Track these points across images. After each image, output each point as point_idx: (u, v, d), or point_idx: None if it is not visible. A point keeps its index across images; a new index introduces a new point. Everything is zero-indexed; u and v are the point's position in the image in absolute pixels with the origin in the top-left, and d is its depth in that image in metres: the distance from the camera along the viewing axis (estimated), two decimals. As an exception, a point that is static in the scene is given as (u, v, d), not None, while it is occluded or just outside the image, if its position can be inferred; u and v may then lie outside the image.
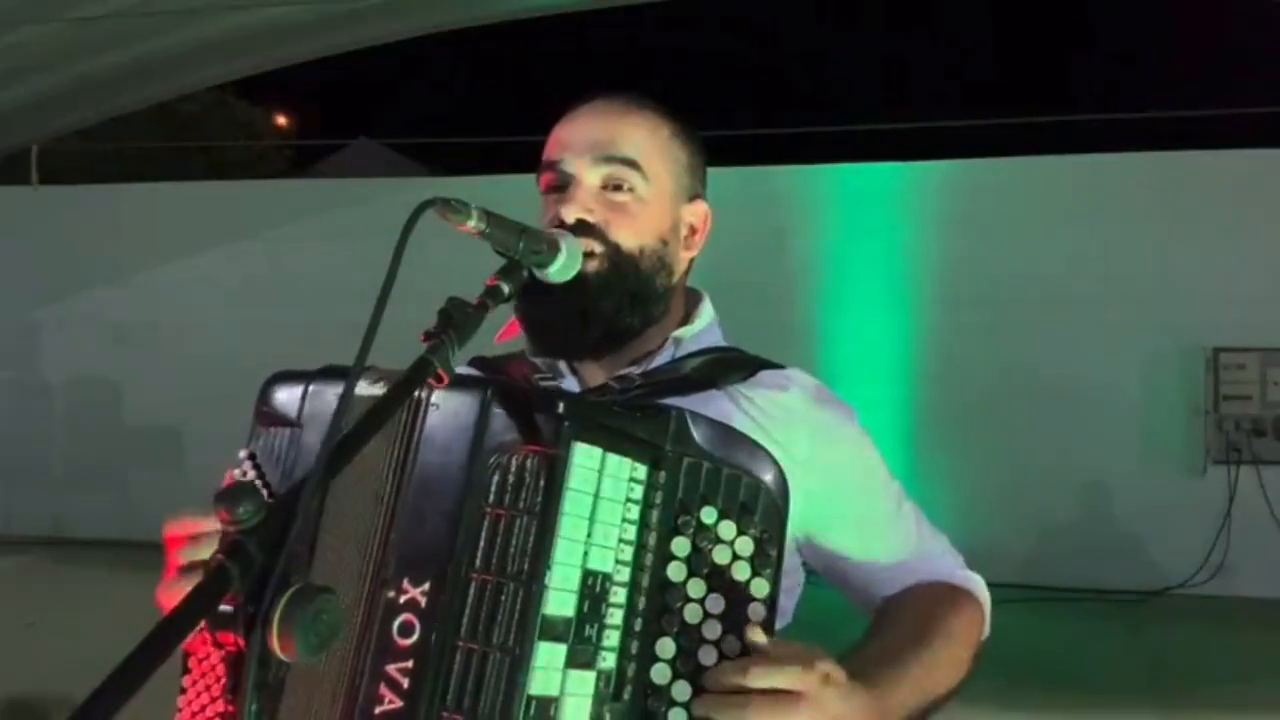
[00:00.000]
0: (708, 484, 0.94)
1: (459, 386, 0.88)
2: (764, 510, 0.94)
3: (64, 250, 7.63)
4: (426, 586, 0.84)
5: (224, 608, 0.72)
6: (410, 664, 0.83)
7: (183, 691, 0.96)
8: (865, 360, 6.25)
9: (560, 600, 0.84)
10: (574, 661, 0.85)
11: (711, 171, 1.28)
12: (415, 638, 0.83)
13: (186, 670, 0.97)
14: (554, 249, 1.05)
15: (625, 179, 1.14)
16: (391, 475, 0.90)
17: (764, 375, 1.17)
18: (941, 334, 6.34)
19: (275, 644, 0.71)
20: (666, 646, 0.90)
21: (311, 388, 1.00)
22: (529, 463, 0.85)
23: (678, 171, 1.20)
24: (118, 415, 7.65)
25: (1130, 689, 4.45)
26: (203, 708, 0.95)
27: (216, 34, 6.00)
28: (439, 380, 0.87)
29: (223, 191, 8.52)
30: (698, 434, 0.94)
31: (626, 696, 0.89)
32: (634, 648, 0.90)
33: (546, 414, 0.86)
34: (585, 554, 0.86)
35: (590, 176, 1.14)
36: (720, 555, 0.92)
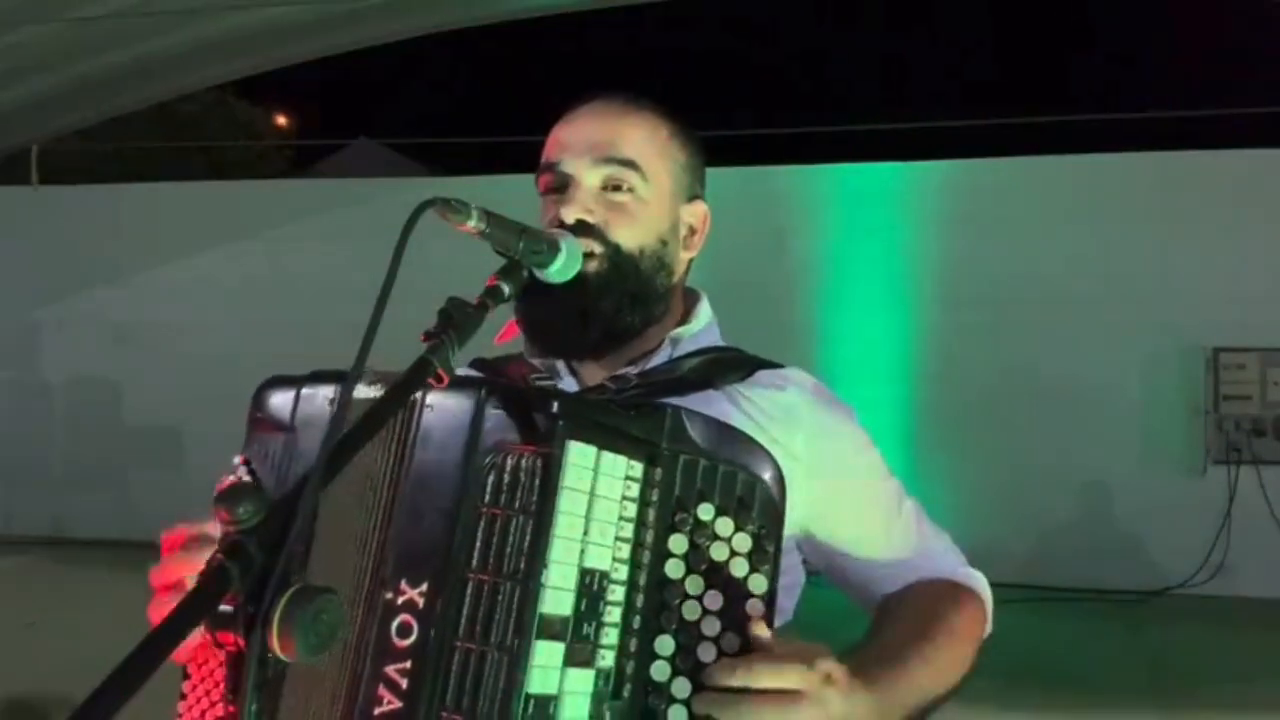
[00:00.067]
0: (704, 481, 0.94)
1: (454, 387, 0.88)
2: (761, 506, 0.94)
3: (64, 250, 7.63)
4: (424, 587, 0.84)
5: (224, 608, 0.72)
6: (409, 665, 0.83)
7: (183, 697, 0.97)
8: (865, 360, 6.25)
9: (557, 599, 0.84)
10: (572, 660, 0.85)
11: (711, 171, 1.28)
12: (413, 638, 0.84)
13: (186, 676, 0.97)
14: (554, 249, 1.05)
15: (624, 180, 1.15)
16: (387, 476, 0.90)
17: (762, 375, 1.17)
18: (941, 334, 6.34)
19: (275, 644, 0.71)
20: (665, 644, 0.90)
21: (304, 392, 1.00)
22: (524, 462, 0.85)
23: (677, 172, 1.20)
24: (118, 415, 7.65)
25: (1130, 689, 4.45)
26: (202, 713, 0.95)
27: (216, 34, 6.00)
28: (439, 380, 0.87)
29: (223, 191, 8.53)
30: (694, 431, 0.94)
31: (626, 694, 0.89)
32: (633, 645, 0.90)
33: (541, 413, 0.86)
34: (582, 552, 0.86)
35: (590, 177, 1.15)
36: (718, 552, 0.92)
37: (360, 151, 19.08)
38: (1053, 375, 6.16)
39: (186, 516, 1.00)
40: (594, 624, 0.87)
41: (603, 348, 1.16)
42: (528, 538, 0.84)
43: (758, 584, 0.92)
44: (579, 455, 0.86)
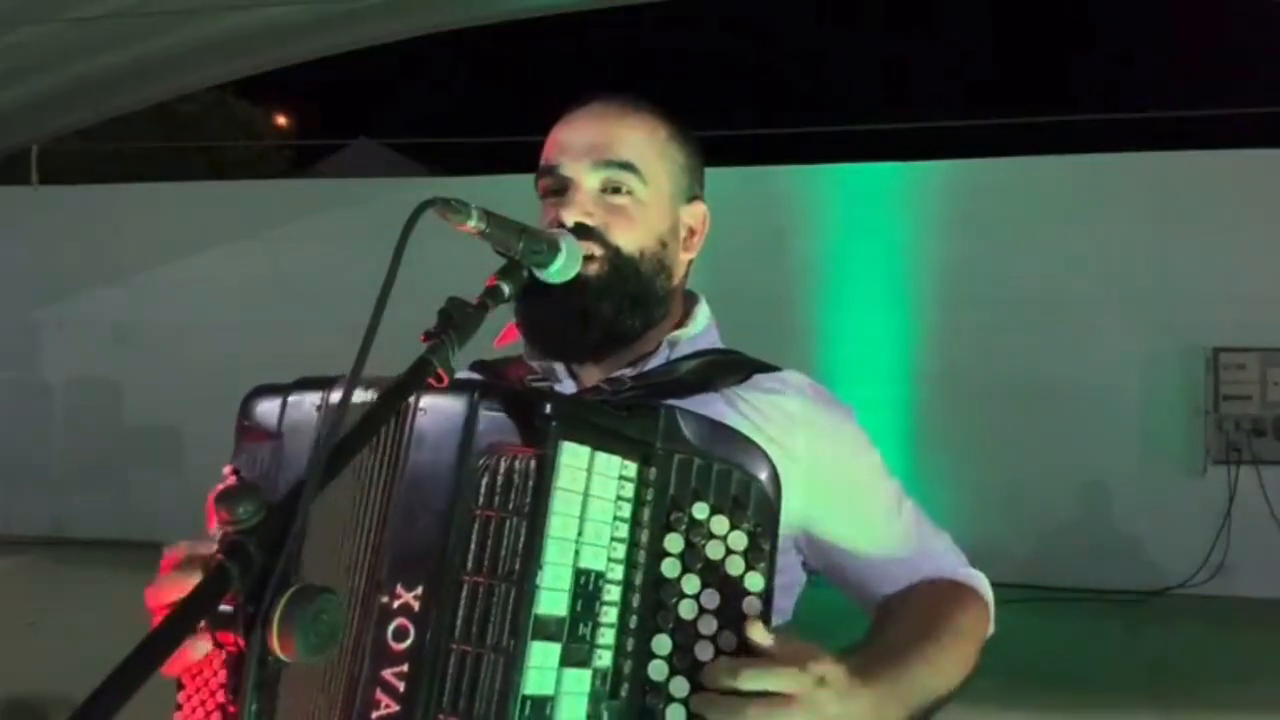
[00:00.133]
0: (699, 480, 0.93)
1: (447, 389, 0.88)
2: (756, 504, 0.94)
3: (64, 250, 7.63)
4: (419, 590, 0.84)
5: (224, 608, 0.72)
6: (405, 668, 0.83)
7: (178, 708, 0.96)
8: (865, 360, 6.25)
9: (552, 600, 0.84)
10: (568, 660, 0.85)
11: (711, 172, 1.28)
12: (409, 641, 0.84)
13: (181, 687, 0.97)
14: (554, 249, 1.05)
15: (624, 182, 1.15)
16: (381, 479, 0.90)
17: (759, 378, 1.17)
18: (941, 334, 6.34)
19: (275, 644, 0.71)
20: (662, 643, 0.90)
21: (290, 399, 1.00)
22: (518, 463, 0.85)
23: (676, 173, 1.20)
24: (118, 415, 7.65)
25: (1130, 689, 4.45)
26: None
27: (216, 34, 6.00)
28: (439, 380, 0.87)
29: (223, 191, 8.53)
30: (688, 431, 0.94)
31: (624, 694, 0.89)
32: (630, 645, 0.90)
33: (534, 414, 0.86)
34: (577, 553, 0.86)
35: (589, 180, 1.15)
36: (714, 550, 0.92)
37: (360, 151, 19.08)
38: (1053, 375, 6.16)
39: (186, 516, 1.00)
40: (590, 624, 0.87)
41: (602, 350, 1.16)
42: (522, 539, 0.84)
43: (754, 582, 0.92)
44: (573, 456, 0.86)
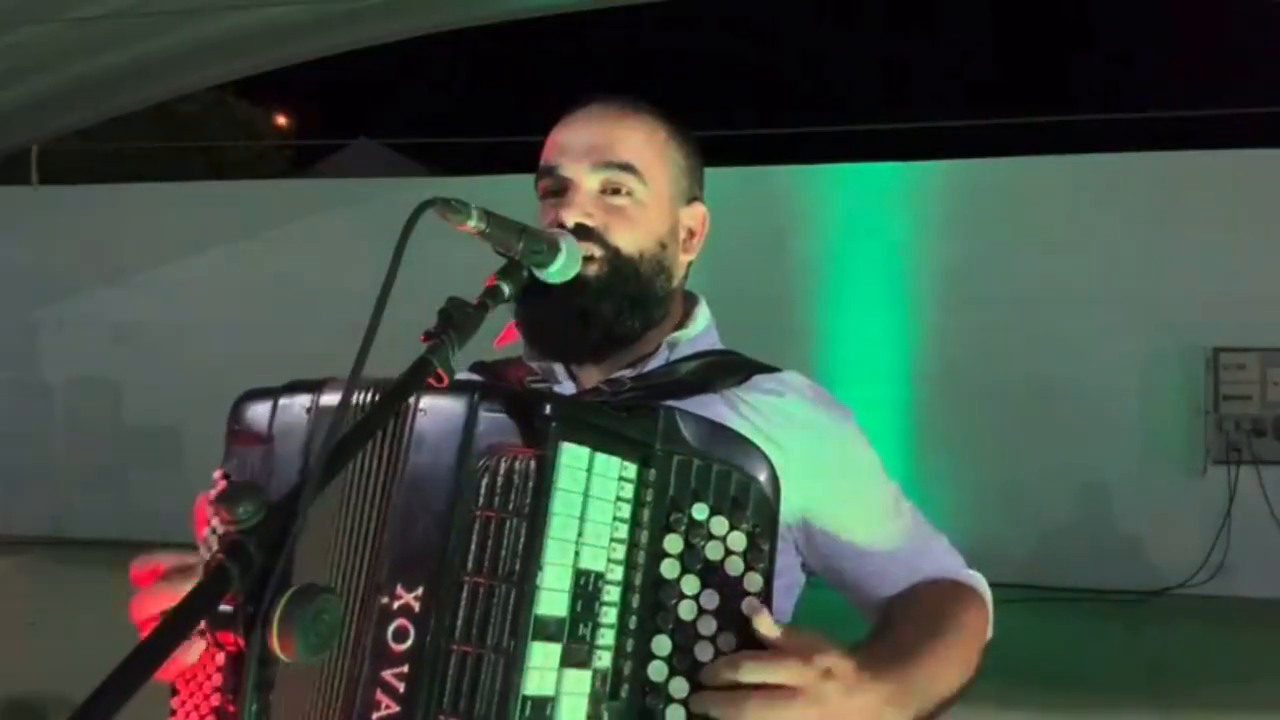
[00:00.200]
0: (698, 480, 0.93)
1: (446, 390, 0.88)
2: (755, 505, 0.94)
3: (64, 250, 7.63)
4: (419, 591, 0.84)
5: (224, 608, 0.73)
6: (405, 669, 0.83)
7: (171, 713, 0.96)
8: (865, 361, 6.25)
9: (552, 600, 0.84)
10: (569, 661, 0.85)
11: (711, 172, 1.28)
12: (410, 642, 0.84)
13: (175, 692, 0.97)
14: (554, 249, 1.05)
15: (623, 183, 1.15)
16: (381, 480, 0.90)
17: (759, 379, 1.17)
18: (941, 334, 6.34)
19: (275, 644, 0.71)
20: (662, 643, 0.90)
21: (280, 402, 1.00)
22: (518, 464, 0.85)
23: (675, 174, 1.20)
24: (118, 415, 7.65)
25: (1130, 689, 4.45)
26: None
27: (216, 34, 6.00)
28: (439, 380, 0.87)
29: (223, 191, 8.53)
30: (687, 431, 0.94)
31: (624, 695, 0.89)
32: (630, 646, 0.90)
33: (534, 415, 0.86)
34: (577, 553, 0.86)
35: (588, 181, 1.15)
36: (713, 551, 0.92)
37: (360, 151, 19.08)
38: (1053, 375, 6.16)
39: (186, 516, 1.00)
40: (590, 625, 0.87)
41: (602, 351, 1.16)
42: (522, 540, 0.84)
43: (753, 582, 0.92)
44: (572, 457, 0.86)
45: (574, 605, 0.86)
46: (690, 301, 1.25)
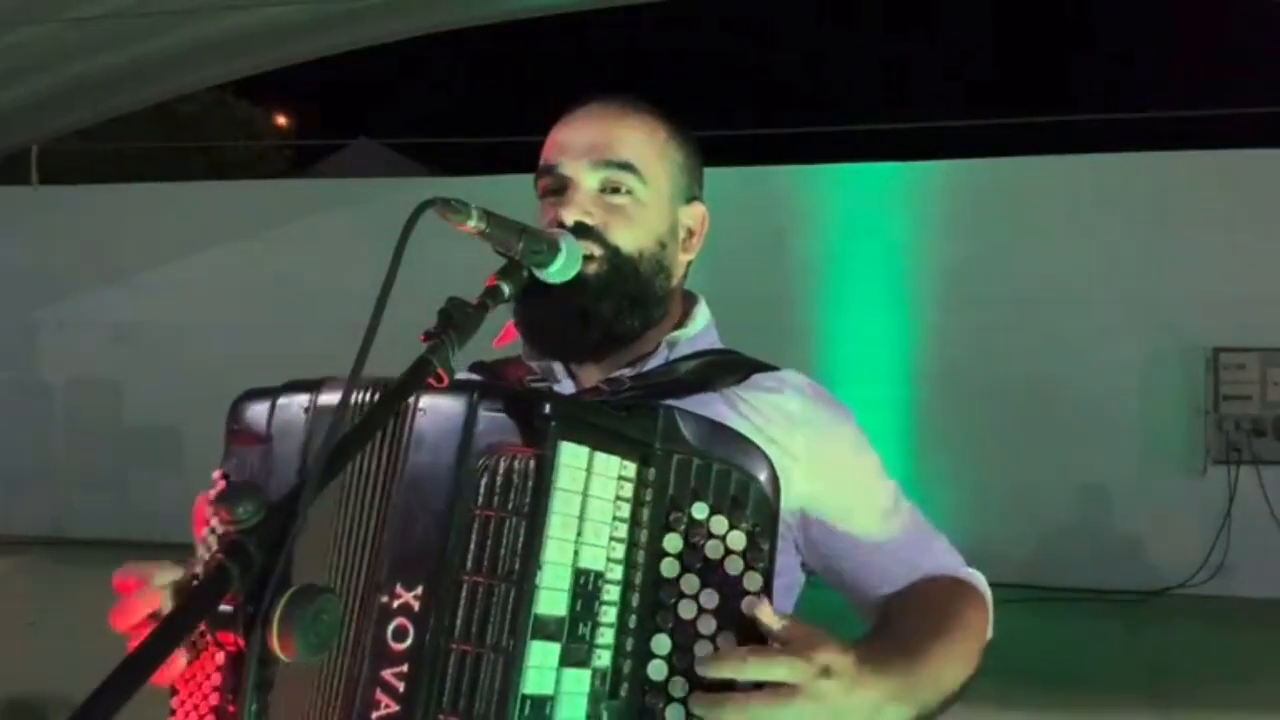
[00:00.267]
0: (698, 480, 0.93)
1: (446, 390, 0.89)
2: (755, 504, 0.94)
3: (64, 250, 7.63)
4: (419, 590, 0.84)
5: (224, 608, 0.73)
6: (405, 668, 0.83)
7: (171, 713, 0.96)
8: (865, 361, 6.25)
9: (552, 599, 0.84)
10: (568, 660, 0.85)
11: (711, 172, 1.28)
12: (409, 641, 0.84)
13: (174, 692, 0.96)
14: (554, 249, 1.05)
15: (623, 182, 1.15)
16: (381, 480, 0.90)
17: (758, 377, 1.17)
18: (941, 334, 6.34)
19: (275, 644, 0.71)
20: (662, 643, 0.90)
21: (279, 401, 1.00)
22: (517, 464, 0.85)
23: (675, 174, 1.20)
24: (118, 415, 7.66)
25: (1130, 689, 4.45)
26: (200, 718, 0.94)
27: (216, 34, 6.00)
28: (439, 380, 0.87)
29: (223, 191, 8.53)
30: (686, 431, 0.94)
31: (623, 694, 0.89)
32: (629, 645, 0.90)
33: (533, 415, 0.86)
34: (576, 553, 0.86)
35: (588, 180, 1.15)
36: (713, 550, 0.92)
37: (360, 151, 19.08)
38: (1053, 375, 6.16)
39: (186, 516, 1.00)
40: (589, 624, 0.87)
41: (602, 350, 1.16)
42: (521, 539, 0.84)
43: (753, 581, 0.92)
44: (572, 456, 0.86)
45: (573, 604, 0.86)
46: (690, 301, 1.25)
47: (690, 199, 1.23)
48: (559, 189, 1.15)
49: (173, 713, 0.96)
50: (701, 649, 0.90)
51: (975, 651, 1.10)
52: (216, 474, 1.01)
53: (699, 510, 0.93)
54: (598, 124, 1.17)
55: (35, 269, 7.70)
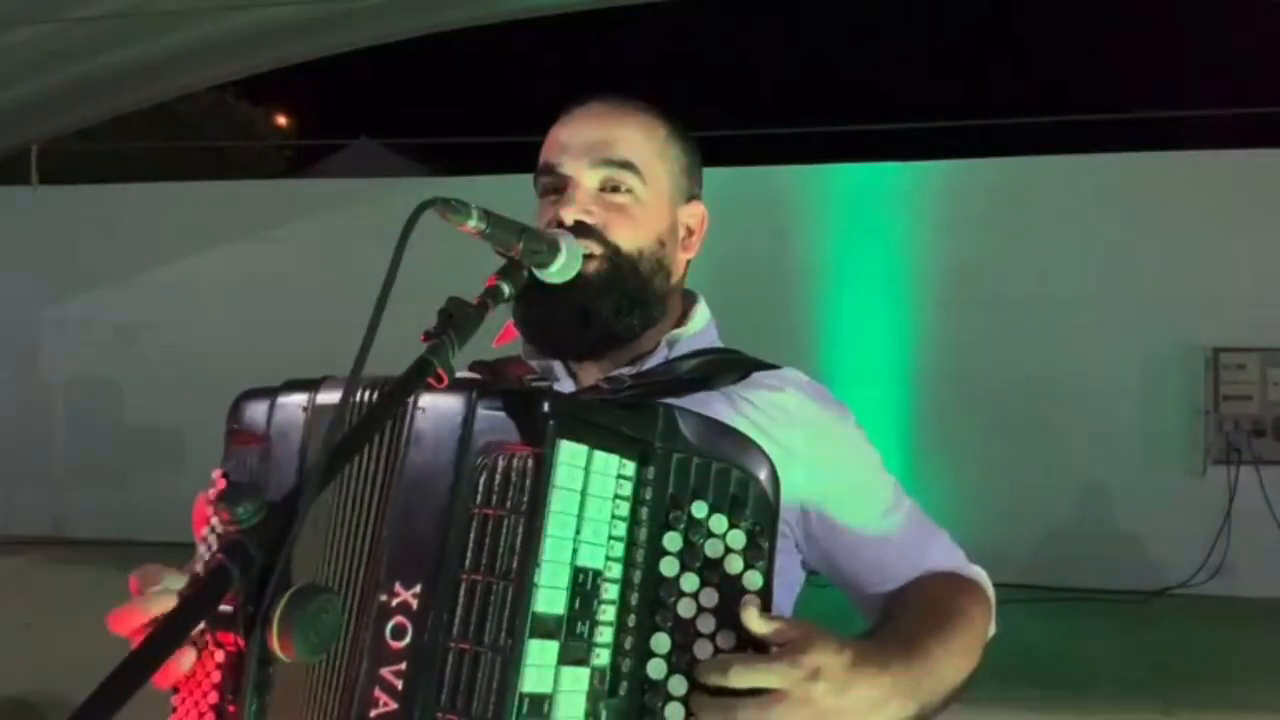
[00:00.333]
0: (698, 478, 0.93)
1: (445, 389, 0.88)
2: (755, 503, 0.94)
3: (64, 250, 7.63)
4: (418, 589, 0.84)
5: (224, 608, 0.73)
6: (403, 666, 0.83)
7: (172, 710, 0.96)
8: (865, 361, 6.26)
9: (550, 598, 0.84)
10: (566, 658, 0.85)
11: (711, 171, 1.28)
12: (408, 640, 0.84)
13: (174, 690, 0.96)
14: (554, 249, 1.06)
15: (623, 181, 1.15)
16: (380, 478, 0.90)
17: (758, 376, 1.17)
18: (942, 334, 6.35)
19: (275, 644, 0.71)
20: (661, 641, 0.90)
21: (278, 401, 1.00)
22: (516, 462, 0.85)
23: (674, 173, 1.20)
24: (118, 415, 7.66)
25: (1130, 689, 4.45)
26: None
27: (216, 34, 6.00)
28: (439, 380, 0.87)
29: (223, 191, 8.53)
30: (686, 429, 0.94)
31: (622, 692, 0.89)
32: (628, 643, 0.89)
33: (532, 413, 0.86)
34: (574, 551, 0.86)
35: (588, 179, 1.15)
36: (712, 549, 0.92)
37: (360, 151, 19.05)
38: (1053, 375, 6.16)
39: (186, 516, 1.00)
40: (588, 622, 0.87)
41: (601, 349, 1.16)
42: (519, 537, 0.84)
43: (753, 580, 0.92)
44: (571, 454, 0.86)
45: (572, 603, 0.86)
46: (689, 300, 1.26)
47: (690, 198, 1.23)
48: (559, 188, 1.16)
49: (174, 710, 0.96)
50: (701, 648, 0.90)
51: (977, 647, 1.09)
52: (216, 473, 1.01)
53: (699, 509, 0.93)
54: (597, 123, 1.17)
55: (35, 269, 7.70)
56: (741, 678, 0.87)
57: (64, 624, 5.05)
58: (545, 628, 0.84)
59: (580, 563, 0.87)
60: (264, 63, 7.00)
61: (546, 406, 0.86)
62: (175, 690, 0.95)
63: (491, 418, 0.87)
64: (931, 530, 1.20)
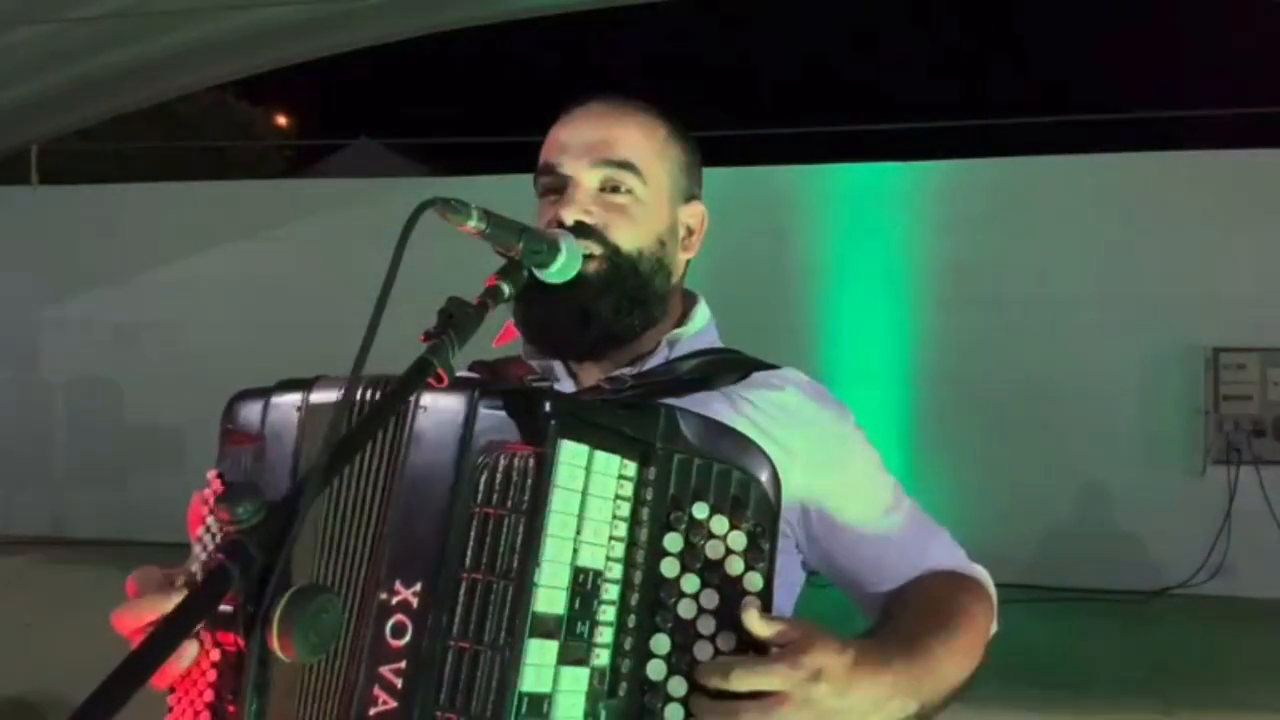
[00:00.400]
0: (699, 479, 0.93)
1: (447, 388, 0.89)
2: (756, 504, 0.94)
3: (64, 250, 7.63)
4: (418, 587, 0.84)
5: (224, 608, 0.73)
6: (403, 665, 0.83)
7: (169, 710, 0.96)
8: (865, 361, 6.26)
9: (550, 598, 0.84)
10: (566, 658, 0.85)
11: (711, 171, 1.28)
12: (407, 638, 0.84)
13: (171, 689, 0.96)
14: (554, 249, 1.06)
15: (623, 181, 1.15)
16: (381, 477, 0.90)
17: (758, 376, 1.17)
18: (942, 335, 6.35)
19: (275, 644, 0.71)
20: (661, 642, 0.90)
21: (272, 401, 1.00)
22: (516, 462, 0.85)
23: (674, 173, 1.20)
24: (118, 415, 7.66)
25: (1130, 689, 4.45)
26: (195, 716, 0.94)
27: (216, 34, 6.00)
28: (439, 380, 0.87)
29: (223, 191, 8.53)
30: (687, 430, 0.94)
31: (621, 693, 0.89)
32: (628, 644, 0.89)
33: (533, 413, 0.86)
34: (575, 551, 0.86)
35: (588, 178, 1.15)
36: (713, 550, 0.92)
37: (360, 151, 19.04)
38: (1053, 375, 6.17)
39: (186, 516, 1.00)
40: (588, 622, 0.87)
41: (601, 349, 1.16)
42: (520, 537, 0.84)
43: (753, 582, 0.92)
44: (572, 454, 0.86)
45: (572, 603, 0.86)
46: (689, 300, 1.26)
47: (689, 198, 1.23)
48: (559, 188, 1.16)
49: (169, 710, 0.96)
50: (701, 649, 0.90)
51: (978, 646, 1.09)
52: (211, 474, 1.01)
53: (699, 510, 0.93)
54: (597, 123, 1.17)
55: (35, 269, 7.70)
56: (743, 680, 0.87)
57: (64, 624, 5.05)
58: (545, 627, 0.84)
59: (580, 563, 0.87)
60: (264, 63, 7.00)
61: (548, 406, 0.86)
62: (171, 690, 0.95)
63: (493, 417, 0.87)
64: (932, 529, 1.20)
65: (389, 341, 0.88)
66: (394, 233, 0.87)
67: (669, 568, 0.92)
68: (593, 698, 0.87)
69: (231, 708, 0.89)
